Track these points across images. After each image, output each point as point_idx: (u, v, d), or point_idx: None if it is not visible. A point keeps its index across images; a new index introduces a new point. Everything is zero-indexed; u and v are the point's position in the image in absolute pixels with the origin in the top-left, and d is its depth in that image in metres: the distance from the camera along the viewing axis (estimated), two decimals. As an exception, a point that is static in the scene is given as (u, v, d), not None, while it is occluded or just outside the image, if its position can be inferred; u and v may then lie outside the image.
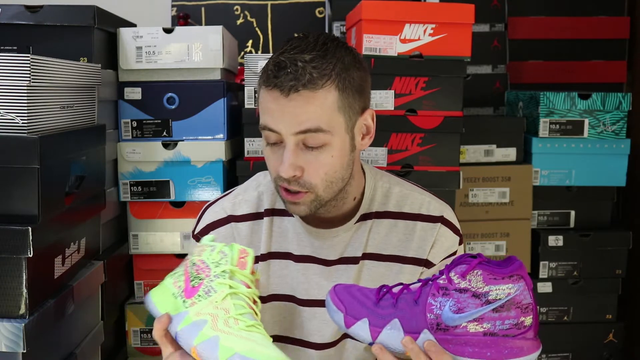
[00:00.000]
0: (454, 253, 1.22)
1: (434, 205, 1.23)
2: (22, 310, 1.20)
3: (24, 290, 1.19)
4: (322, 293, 1.14)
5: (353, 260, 1.20)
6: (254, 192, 1.25)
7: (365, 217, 1.21)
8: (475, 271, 0.95)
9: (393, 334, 0.98)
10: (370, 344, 1.00)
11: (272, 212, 1.22)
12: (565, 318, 2.02)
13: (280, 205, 1.22)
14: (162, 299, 1.02)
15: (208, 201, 1.29)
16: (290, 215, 1.21)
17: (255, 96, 1.73)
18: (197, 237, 1.23)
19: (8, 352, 1.16)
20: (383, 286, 1.03)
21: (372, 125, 1.16)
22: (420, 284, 1.01)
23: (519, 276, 0.95)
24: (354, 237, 1.20)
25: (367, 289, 1.04)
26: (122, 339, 1.82)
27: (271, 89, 1.07)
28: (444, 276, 0.98)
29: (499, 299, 0.94)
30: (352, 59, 1.11)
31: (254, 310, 0.99)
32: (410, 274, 1.19)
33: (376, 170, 1.27)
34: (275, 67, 1.07)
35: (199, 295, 0.97)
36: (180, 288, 1.00)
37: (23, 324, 1.17)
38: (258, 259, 1.20)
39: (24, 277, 1.19)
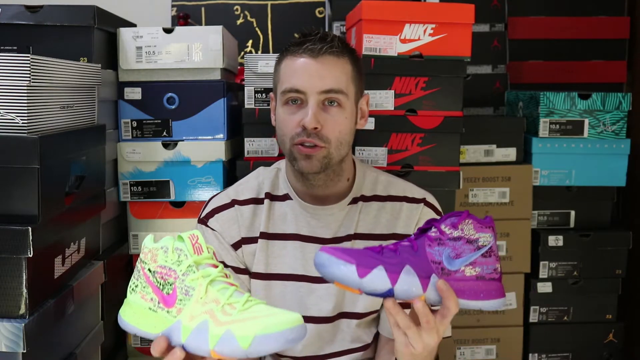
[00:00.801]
0: None
1: (416, 190, 1.39)
2: (22, 310, 1.20)
3: (24, 290, 1.19)
4: None
5: (345, 239, 1.33)
6: (255, 180, 1.39)
7: (356, 200, 1.35)
8: (467, 220, 1.06)
9: (410, 279, 1.03)
10: (387, 292, 1.02)
11: (271, 197, 1.36)
12: (565, 318, 2.02)
13: (278, 192, 1.37)
14: (138, 317, 1.00)
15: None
16: (289, 198, 1.35)
17: (255, 96, 1.73)
18: (203, 220, 1.35)
19: (8, 352, 1.16)
20: (372, 246, 1.08)
21: (367, 109, 1.36)
22: (409, 241, 1.08)
23: (492, 227, 1.08)
24: (346, 217, 1.34)
25: (357, 249, 1.08)
26: (122, 339, 1.82)
27: (301, 53, 1.24)
28: (434, 229, 1.07)
29: (485, 245, 1.06)
30: (355, 51, 1.32)
31: (233, 285, 0.99)
32: None
33: (364, 164, 1.45)
34: (305, 36, 1.26)
35: (180, 300, 0.97)
36: (154, 300, 0.99)
37: (23, 324, 1.17)
38: (257, 238, 1.33)
39: (24, 277, 1.19)
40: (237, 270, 1.33)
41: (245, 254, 1.33)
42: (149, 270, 1.00)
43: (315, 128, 1.22)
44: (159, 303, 0.98)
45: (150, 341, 0.99)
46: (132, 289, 1.02)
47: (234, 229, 1.33)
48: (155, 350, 0.96)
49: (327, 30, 2.31)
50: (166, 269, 0.99)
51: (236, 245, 1.33)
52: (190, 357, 0.97)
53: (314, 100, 1.23)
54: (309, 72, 1.23)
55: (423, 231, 1.08)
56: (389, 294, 1.03)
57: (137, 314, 1.00)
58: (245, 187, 1.38)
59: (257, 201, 1.36)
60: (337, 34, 2.23)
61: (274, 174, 1.40)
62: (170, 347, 0.96)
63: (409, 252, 1.06)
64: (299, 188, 1.35)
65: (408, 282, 1.03)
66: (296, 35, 1.29)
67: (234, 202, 1.35)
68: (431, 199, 1.38)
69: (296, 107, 1.25)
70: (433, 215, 1.36)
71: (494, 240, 1.07)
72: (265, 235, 1.33)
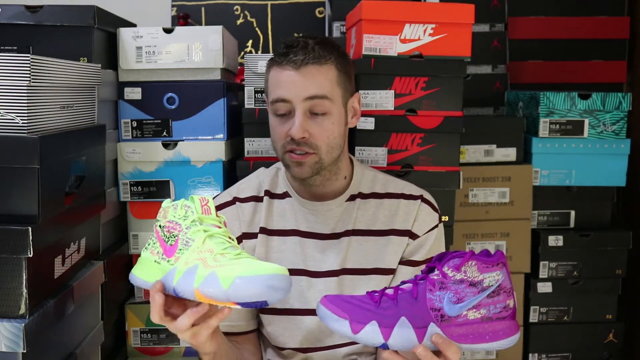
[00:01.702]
0: (436, 226, 1.40)
1: (414, 188, 1.43)
2: (22, 310, 1.20)
3: (24, 290, 1.19)
4: (316, 264, 1.36)
5: (343, 234, 1.37)
6: (255, 179, 1.44)
7: (353, 197, 1.39)
8: (470, 262, 1.04)
9: (404, 332, 1.04)
10: (382, 346, 1.04)
11: (270, 195, 1.41)
12: (565, 318, 2.02)
13: (277, 190, 1.41)
14: (145, 270, 1.07)
15: None
16: (288, 196, 1.40)
17: (255, 96, 1.73)
18: None
19: (8, 352, 1.16)
20: (373, 292, 1.09)
21: (359, 107, 1.39)
22: (411, 284, 1.08)
23: (502, 263, 1.05)
24: (344, 213, 1.38)
25: (357, 296, 1.09)
26: (122, 339, 1.82)
27: (284, 65, 1.28)
28: (437, 271, 1.05)
29: (491, 285, 1.04)
30: (343, 52, 1.35)
31: (234, 245, 1.04)
32: (397, 245, 1.37)
33: (363, 164, 1.49)
34: (288, 47, 1.29)
35: (180, 250, 1.02)
36: (159, 253, 1.05)
37: (23, 324, 1.17)
38: (257, 234, 1.38)
39: (24, 277, 1.19)
40: None
41: (246, 248, 1.37)
42: (160, 226, 1.07)
43: (303, 137, 1.27)
44: (162, 255, 1.04)
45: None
46: (145, 247, 1.09)
47: (236, 225, 1.38)
48: (151, 296, 1.02)
49: (326, 30, 2.32)
50: (173, 223, 1.05)
51: (238, 240, 1.36)
52: (181, 304, 1.04)
53: (301, 110, 1.27)
54: (293, 82, 1.27)
55: (430, 270, 1.07)
56: (383, 347, 1.04)
57: (145, 268, 1.07)
58: (247, 185, 1.43)
59: (257, 199, 1.41)
60: (337, 34, 2.24)
61: (273, 174, 1.44)
62: (164, 295, 1.02)
63: (408, 300, 1.05)
64: (297, 187, 1.39)
65: (402, 336, 1.03)
66: (281, 44, 1.31)
67: (235, 200, 1.40)
68: (428, 196, 1.42)
69: (285, 117, 1.29)
70: (430, 212, 1.40)
71: (505, 276, 1.05)
72: (265, 231, 1.38)
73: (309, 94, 1.27)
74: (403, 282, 1.10)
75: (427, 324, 1.03)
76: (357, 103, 1.39)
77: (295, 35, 1.34)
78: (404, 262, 1.38)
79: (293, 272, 1.32)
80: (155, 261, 1.06)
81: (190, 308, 1.02)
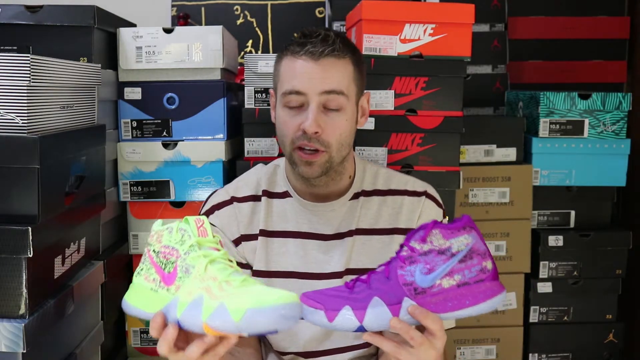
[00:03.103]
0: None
1: (418, 183, 1.39)
2: (22, 310, 1.20)
3: (24, 290, 1.19)
4: (320, 266, 1.32)
5: (347, 234, 1.33)
6: (253, 177, 1.39)
7: (357, 195, 1.35)
8: (434, 231, 1.03)
9: (378, 311, 1.02)
10: (359, 329, 1.02)
11: (269, 194, 1.36)
12: (565, 318, 2.02)
13: (276, 189, 1.37)
14: (140, 299, 1.01)
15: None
16: (289, 196, 1.35)
17: (255, 96, 1.73)
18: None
19: (8, 352, 1.16)
20: (348, 282, 1.08)
21: (368, 107, 1.35)
22: (383, 266, 1.06)
23: (470, 227, 1.04)
24: (347, 212, 1.34)
25: (334, 287, 1.08)
26: (122, 339, 1.82)
27: (301, 55, 1.23)
28: (405, 247, 1.04)
29: (461, 249, 1.02)
30: (358, 49, 1.32)
31: (234, 267, 0.99)
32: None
33: (364, 159, 1.44)
34: (306, 36, 1.24)
35: (180, 278, 0.97)
36: (156, 280, 1.00)
37: (23, 324, 1.17)
38: (257, 236, 1.33)
39: (24, 277, 1.19)
40: (240, 265, 1.32)
41: (246, 251, 1.33)
42: (154, 251, 1.02)
43: (316, 132, 1.22)
44: (160, 282, 0.99)
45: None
46: (138, 273, 1.03)
47: (233, 226, 1.34)
48: (153, 328, 0.96)
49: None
50: (169, 248, 1.00)
51: (236, 242, 1.33)
52: (187, 336, 0.97)
53: (315, 103, 1.22)
54: (310, 74, 1.22)
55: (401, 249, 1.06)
56: (361, 330, 1.02)
57: (140, 296, 1.01)
58: (244, 183, 1.38)
59: (255, 198, 1.36)
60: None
61: (271, 172, 1.39)
62: (166, 325, 0.96)
63: (380, 280, 1.04)
64: (299, 187, 1.35)
65: (376, 315, 1.01)
66: (296, 35, 1.27)
67: (232, 200, 1.36)
68: (432, 191, 1.39)
69: (297, 110, 1.24)
70: (435, 208, 1.37)
71: (475, 239, 1.03)
72: (265, 233, 1.33)
73: (326, 88, 1.22)
74: (380, 266, 1.08)
75: (401, 299, 1.02)
76: (367, 102, 1.35)
77: (296, 35, 1.28)
78: None
79: (295, 274, 1.32)
80: (151, 289, 1.00)
81: (199, 339, 0.95)
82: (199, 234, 1.00)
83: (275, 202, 1.36)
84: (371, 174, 1.38)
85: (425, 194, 1.37)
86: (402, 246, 1.05)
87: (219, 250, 1.00)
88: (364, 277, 1.07)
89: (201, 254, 0.97)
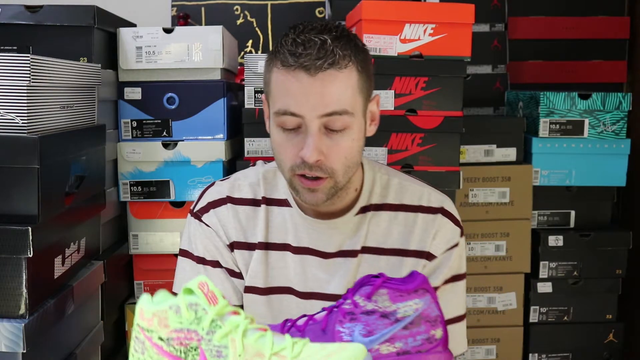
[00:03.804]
0: (456, 245, 1.19)
1: (434, 196, 1.20)
2: (22, 310, 1.20)
3: (24, 290, 1.19)
4: (320, 285, 1.16)
5: (352, 254, 1.17)
6: (253, 177, 1.22)
7: (364, 209, 1.18)
8: (381, 291, 0.92)
9: None
10: None
11: (268, 202, 1.20)
12: (565, 318, 2.02)
13: (276, 195, 1.20)
14: None
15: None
16: (288, 205, 1.19)
17: (255, 96, 1.73)
18: (197, 215, 1.21)
19: (8, 352, 1.16)
20: (287, 320, 0.98)
21: (378, 111, 1.16)
22: (325, 312, 0.96)
23: (424, 290, 0.93)
24: (353, 229, 1.17)
25: (272, 325, 0.95)
26: (122, 339, 1.82)
27: (294, 69, 1.02)
28: (349, 300, 0.94)
29: (408, 315, 0.92)
30: (361, 42, 1.11)
31: (265, 328, 0.85)
32: (412, 267, 1.16)
33: (374, 162, 1.25)
34: (298, 46, 1.03)
35: None
36: None
37: (23, 324, 1.17)
38: (255, 247, 1.18)
39: (24, 277, 1.19)
40: (231, 273, 1.20)
41: (239, 259, 1.20)
42: (160, 338, 0.83)
43: (318, 160, 1.05)
44: None
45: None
46: None
47: (229, 228, 1.20)
48: None
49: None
50: (184, 332, 0.82)
51: (230, 247, 1.20)
52: None
53: (315, 127, 1.03)
54: (306, 93, 1.02)
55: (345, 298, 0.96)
56: None
57: None
58: (242, 183, 1.22)
59: (254, 203, 1.20)
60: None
61: (272, 174, 1.22)
62: None
63: (316, 332, 0.93)
64: (300, 200, 1.17)
65: None
66: (291, 34, 1.06)
67: (228, 199, 1.20)
68: (449, 205, 1.21)
69: (294, 133, 1.06)
70: (451, 226, 1.19)
71: (427, 304, 0.93)
72: (264, 246, 1.19)
73: (327, 111, 1.03)
74: (321, 310, 0.97)
75: None
76: (377, 106, 1.16)
77: (291, 35, 1.05)
78: None
79: (293, 292, 1.19)
80: None
81: None
82: (210, 301, 0.83)
83: (275, 210, 1.20)
84: (381, 185, 1.20)
85: (441, 210, 1.19)
86: (345, 297, 0.95)
87: (238, 313, 0.85)
88: (301, 321, 0.97)
89: (229, 329, 0.81)
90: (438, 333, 0.93)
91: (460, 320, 1.22)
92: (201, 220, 1.21)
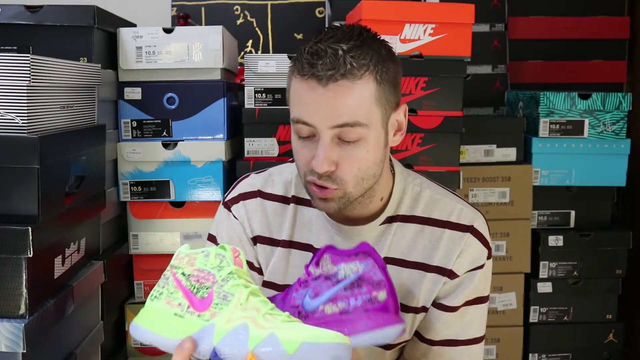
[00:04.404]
0: (481, 266, 1.16)
1: (465, 212, 1.17)
2: (22, 310, 1.20)
3: (24, 290, 1.19)
4: None
5: None
6: (288, 175, 1.22)
7: (391, 219, 1.16)
8: (325, 256, 0.99)
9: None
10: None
11: (297, 201, 1.20)
12: (565, 318, 2.02)
13: (306, 196, 1.17)
14: (159, 323, 0.93)
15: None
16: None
17: (255, 96, 1.73)
18: (227, 204, 1.22)
19: (8, 352, 1.16)
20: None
21: (404, 121, 1.13)
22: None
23: (365, 254, 0.98)
24: (377, 238, 1.16)
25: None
26: (122, 339, 1.82)
27: (307, 78, 1.02)
28: (304, 272, 1.01)
29: (348, 276, 0.97)
30: (387, 51, 1.08)
31: (275, 308, 0.92)
32: (432, 283, 1.15)
33: (408, 171, 1.22)
34: (313, 55, 1.02)
35: (217, 304, 0.90)
36: (184, 305, 0.92)
37: (23, 324, 1.17)
38: (279, 244, 1.19)
39: (24, 277, 1.19)
40: (250, 266, 1.20)
41: (260, 253, 1.21)
42: (183, 274, 0.94)
43: (327, 171, 1.04)
44: (188, 307, 0.91)
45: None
46: (155, 297, 0.95)
47: (255, 222, 1.20)
48: (181, 355, 0.87)
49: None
50: (204, 272, 0.93)
51: (253, 240, 1.21)
52: None
53: (327, 138, 1.02)
54: (318, 103, 1.02)
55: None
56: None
57: (158, 320, 0.93)
58: (276, 179, 1.22)
59: (284, 200, 1.21)
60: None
61: (302, 181, 1.17)
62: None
63: (277, 302, 1.01)
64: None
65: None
66: (312, 41, 1.05)
67: (259, 193, 1.21)
68: (480, 224, 1.17)
69: (309, 141, 1.06)
70: (479, 247, 1.16)
71: (369, 267, 0.98)
72: (288, 244, 1.19)
73: (338, 122, 1.01)
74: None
75: None
76: (403, 115, 1.12)
77: (306, 47, 1.04)
78: (437, 304, 1.16)
79: None
80: (175, 314, 0.92)
81: None
82: (235, 263, 0.94)
83: (304, 210, 1.20)
84: (412, 196, 1.18)
85: (470, 229, 1.15)
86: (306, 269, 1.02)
87: (253, 284, 0.94)
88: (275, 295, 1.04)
89: (241, 283, 0.91)
90: (381, 295, 0.97)
91: (479, 342, 1.20)
92: (230, 211, 1.22)
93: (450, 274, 1.15)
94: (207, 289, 0.91)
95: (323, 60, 1.00)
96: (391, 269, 1.13)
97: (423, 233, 1.16)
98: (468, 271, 1.15)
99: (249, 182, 1.23)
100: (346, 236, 1.16)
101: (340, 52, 1.01)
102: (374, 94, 1.04)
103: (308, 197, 1.17)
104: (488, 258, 1.17)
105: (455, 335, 1.17)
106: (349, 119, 1.01)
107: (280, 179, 1.22)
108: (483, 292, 1.18)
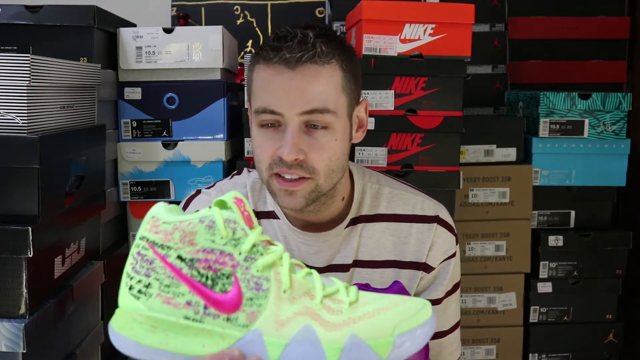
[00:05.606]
0: (453, 255, 1.17)
1: (428, 204, 1.17)
2: (22, 310, 1.20)
3: (24, 290, 1.19)
4: None
5: (343, 268, 1.12)
6: (241, 189, 1.16)
7: (355, 221, 1.14)
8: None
9: None
10: None
11: (258, 215, 1.14)
12: (565, 318, 2.02)
13: (263, 208, 1.15)
14: (163, 334, 0.67)
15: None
16: (276, 217, 1.14)
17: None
18: None
19: (8, 352, 1.16)
20: None
21: (366, 118, 1.12)
22: None
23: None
24: (343, 243, 1.13)
25: None
26: (122, 339, 1.82)
27: (274, 62, 0.99)
28: None
29: None
30: (349, 46, 1.08)
31: (315, 272, 0.69)
32: (408, 279, 1.14)
33: (364, 170, 1.20)
34: (280, 39, 0.99)
35: (250, 299, 0.64)
36: (196, 305, 0.65)
37: (23, 324, 1.17)
38: None
39: (24, 277, 1.19)
40: None
41: None
42: (181, 258, 0.66)
43: (297, 159, 0.99)
44: (206, 308, 0.65)
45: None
46: (140, 292, 0.68)
47: None
48: None
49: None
50: (216, 253, 0.65)
51: None
52: None
53: (295, 125, 0.99)
54: (286, 88, 0.98)
55: None
56: None
57: (162, 330, 0.67)
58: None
59: None
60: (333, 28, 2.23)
61: (259, 185, 1.16)
62: None
63: None
64: (287, 210, 1.12)
65: None
66: (271, 35, 1.04)
67: None
68: (444, 213, 1.17)
69: (273, 131, 1.01)
70: (448, 236, 1.16)
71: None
72: None
73: (307, 108, 0.98)
74: None
75: None
76: (364, 112, 1.11)
77: (270, 35, 1.03)
78: None
79: None
80: (187, 318, 0.64)
81: None
82: (245, 221, 0.67)
83: (263, 223, 1.14)
84: (371, 194, 1.16)
85: (437, 219, 1.15)
86: None
87: (273, 243, 0.70)
88: None
89: (274, 258, 0.65)
90: None
91: (457, 327, 1.22)
92: None
93: (426, 267, 1.14)
94: (227, 277, 0.64)
95: (290, 44, 0.98)
96: (362, 271, 1.13)
97: (390, 230, 1.14)
98: (442, 262, 1.15)
99: (204, 199, 1.14)
100: (313, 244, 1.12)
101: (311, 35, 1.00)
102: (340, 82, 1.02)
103: (266, 210, 1.14)
104: (456, 244, 1.18)
105: (441, 327, 1.18)
106: (319, 104, 0.99)
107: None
108: (458, 278, 1.19)
